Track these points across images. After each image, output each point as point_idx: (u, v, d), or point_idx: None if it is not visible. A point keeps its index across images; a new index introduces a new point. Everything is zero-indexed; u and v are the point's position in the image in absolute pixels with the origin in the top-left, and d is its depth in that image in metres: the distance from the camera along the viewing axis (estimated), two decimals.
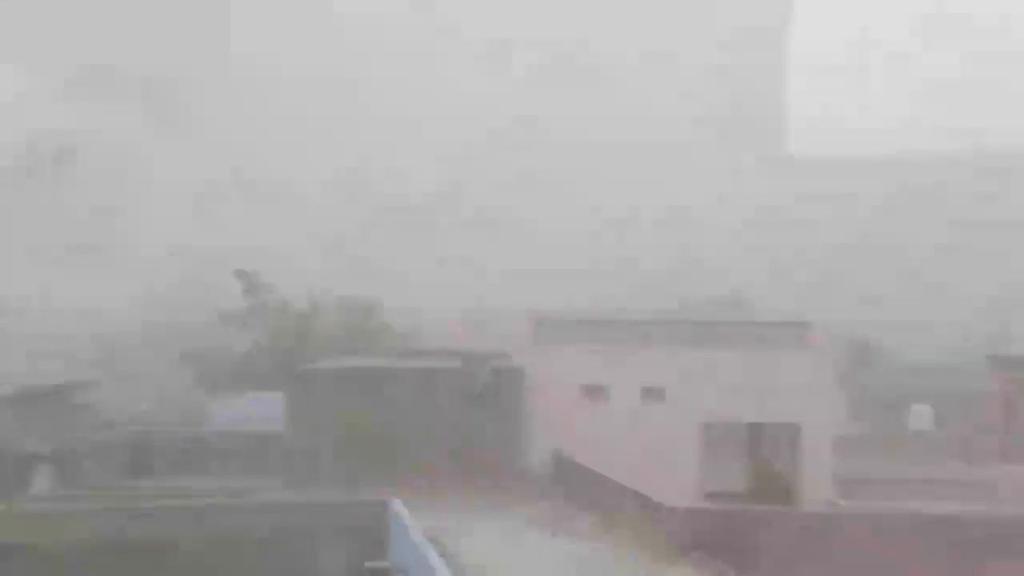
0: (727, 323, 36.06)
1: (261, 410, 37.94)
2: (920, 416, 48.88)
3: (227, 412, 42.62)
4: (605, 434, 30.97)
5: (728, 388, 32.29)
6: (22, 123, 65.01)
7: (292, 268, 59.27)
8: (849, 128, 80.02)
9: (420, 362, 36.17)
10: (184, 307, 61.06)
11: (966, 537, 23.02)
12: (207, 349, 56.71)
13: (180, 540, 21.70)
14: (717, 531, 23.36)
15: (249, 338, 56.24)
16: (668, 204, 74.33)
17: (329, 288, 56.65)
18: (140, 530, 21.69)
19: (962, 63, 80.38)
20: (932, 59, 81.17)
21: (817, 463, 31.84)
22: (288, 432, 32.04)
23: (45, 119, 65.22)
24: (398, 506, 22.43)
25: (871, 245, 73.04)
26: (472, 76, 79.81)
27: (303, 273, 58.32)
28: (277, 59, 76.24)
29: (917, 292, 67.96)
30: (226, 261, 58.80)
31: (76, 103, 65.84)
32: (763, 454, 36.38)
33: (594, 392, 32.78)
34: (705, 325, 35.47)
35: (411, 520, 21.29)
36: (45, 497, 27.65)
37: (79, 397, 44.43)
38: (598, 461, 28.28)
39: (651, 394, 32.79)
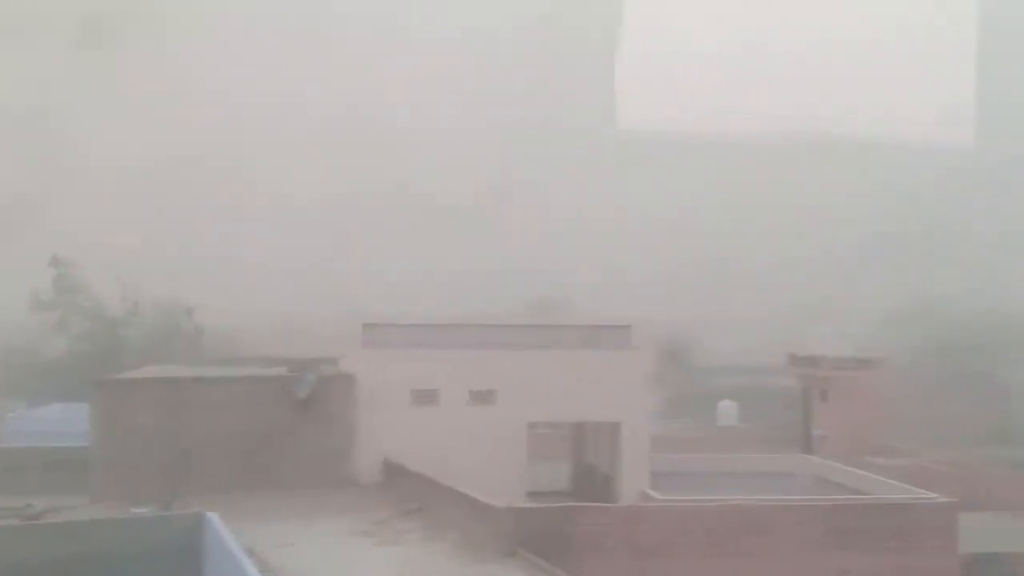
0: (554, 326, 37.22)
1: (69, 422, 36.19)
2: (727, 412, 52.09)
3: (30, 423, 40.60)
4: (436, 439, 31.42)
5: (555, 389, 33.20)
6: None
7: (111, 268, 57.22)
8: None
9: (241, 369, 35.25)
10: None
11: (745, 522, 26.46)
12: (13, 353, 54.01)
13: None
14: (539, 528, 24.64)
15: (59, 342, 54.01)
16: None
17: (145, 289, 54.99)
18: None
19: None
20: None
21: (635, 459, 33.35)
22: (95, 446, 30.18)
23: None
24: (214, 520, 21.02)
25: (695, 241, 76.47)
26: None
27: (123, 273, 56.45)
28: None
29: (734, 292, 71.78)
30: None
31: None
32: (587, 452, 38.01)
33: (424, 397, 33.23)
34: (533, 328, 36.49)
35: (229, 534, 20.14)
36: None
37: None
38: (429, 466, 28.83)
39: (481, 397, 33.55)
